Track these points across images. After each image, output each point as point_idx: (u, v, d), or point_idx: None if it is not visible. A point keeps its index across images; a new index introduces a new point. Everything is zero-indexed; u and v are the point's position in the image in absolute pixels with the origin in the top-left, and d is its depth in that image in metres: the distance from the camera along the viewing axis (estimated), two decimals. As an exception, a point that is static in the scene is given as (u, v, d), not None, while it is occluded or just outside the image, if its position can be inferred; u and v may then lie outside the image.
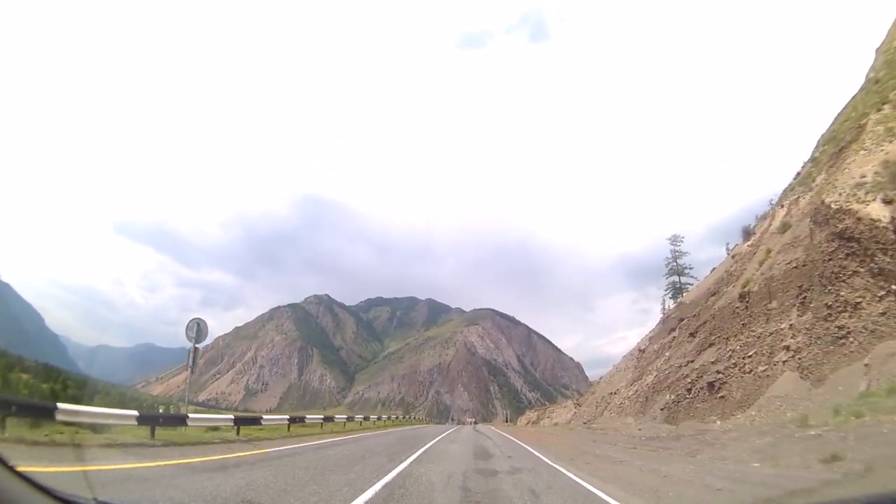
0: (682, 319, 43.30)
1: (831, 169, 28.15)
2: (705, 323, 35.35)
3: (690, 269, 53.38)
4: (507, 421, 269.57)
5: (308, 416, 35.02)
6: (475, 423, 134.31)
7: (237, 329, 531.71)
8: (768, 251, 30.85)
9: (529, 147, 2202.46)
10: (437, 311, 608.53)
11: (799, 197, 33.86)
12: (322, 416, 36.97)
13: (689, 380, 27.50)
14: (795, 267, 25.77)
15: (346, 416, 44.94)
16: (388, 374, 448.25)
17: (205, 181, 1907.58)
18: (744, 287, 29.94)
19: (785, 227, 31.33)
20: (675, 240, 54.02)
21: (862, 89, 36.11)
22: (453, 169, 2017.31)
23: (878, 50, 37.46)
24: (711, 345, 28.01)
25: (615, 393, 51.59)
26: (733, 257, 34.87)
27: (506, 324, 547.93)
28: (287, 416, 30.12)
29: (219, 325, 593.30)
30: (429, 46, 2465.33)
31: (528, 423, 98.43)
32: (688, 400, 26.67)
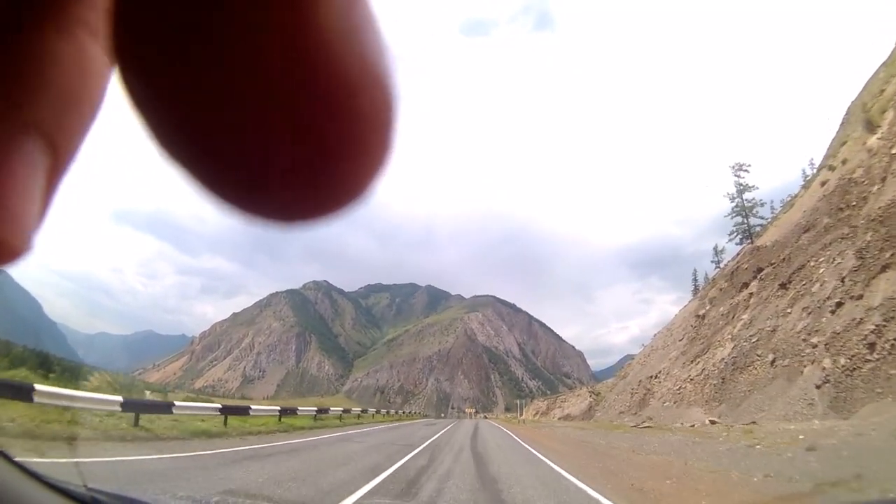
0: (760, 270, 32.98)
1: None
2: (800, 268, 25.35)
3: (761, 205, 41.35)
4: (507, 411, 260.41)
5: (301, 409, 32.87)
6: (475, 414, 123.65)
7: (235, 315, 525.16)
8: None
9: (533, 136, 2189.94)
10: (437, 298, 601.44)
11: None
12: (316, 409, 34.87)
13: (862, 336, 16.99)
14: None
15: (341, 409, 41.38)
16: (387, 362, 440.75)
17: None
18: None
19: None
20: (739, 169, 41.99)
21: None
22: (456, 157, 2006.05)
23: None
24: (887, 268, 17.45)
25: (658, 376, 41.46)
26: (870, 151, 24.28)
27: (507, 311, 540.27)
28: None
29: (219, 313, 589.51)
30: (433, 32, 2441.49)
31: (536, 413, 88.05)
32: (871, 366, 15.99)
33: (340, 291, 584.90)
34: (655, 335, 60.06)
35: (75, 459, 9.08)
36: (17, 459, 1.98)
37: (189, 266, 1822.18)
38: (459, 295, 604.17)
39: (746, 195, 40.89)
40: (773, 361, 23.77)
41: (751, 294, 32.57)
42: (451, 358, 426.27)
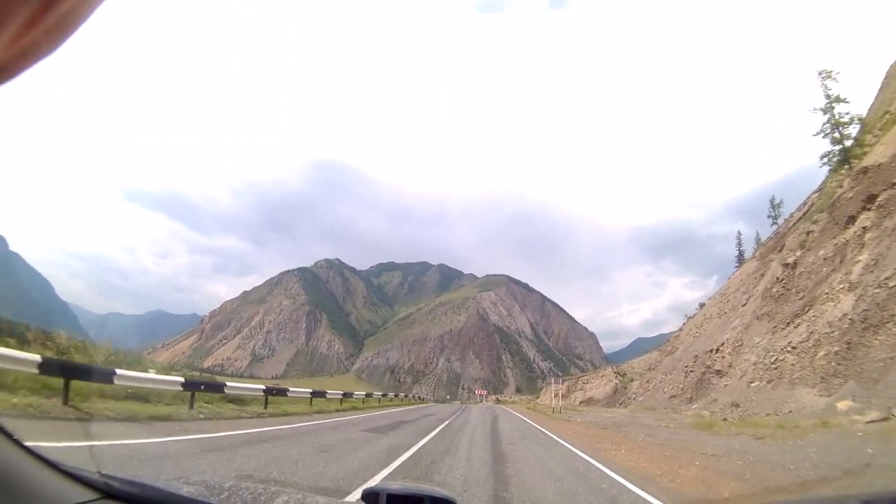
0: (872, 197, 23.88)
1: None
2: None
3: (858, 119, 31.36)
4: (517, 392, 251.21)
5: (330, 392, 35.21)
6: (487, 396, 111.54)
7: (245, 293, 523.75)
8: None
9: (549, 116, 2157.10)
10: (449, 277, 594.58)
11: None
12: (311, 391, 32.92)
13: None
14: None
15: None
16: (398, 341, 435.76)
17: (217, 147, 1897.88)
18: None
19: None
20: (826, 76, 31.96)
21: None
22: (470, 136, 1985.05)
23: None
24: None
25: (722, 350, 32.66)
26: None
27: (520, 290, 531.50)
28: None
29: (231, 292, 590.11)
30: (448, 8, 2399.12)
31: (554, 396, 79.96)
32: None
33: (352, 270, 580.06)
34: (701, 305, 51.36)
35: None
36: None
37: (201, 245, 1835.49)
38: (472, 274, 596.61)
39: (839, 109, 31.28)
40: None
41: (864, 228, 23.55)
42: (463, 337, 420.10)
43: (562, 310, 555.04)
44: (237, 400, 20.95)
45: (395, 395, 70.22)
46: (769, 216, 53.74)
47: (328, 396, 33.11)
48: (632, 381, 62.33)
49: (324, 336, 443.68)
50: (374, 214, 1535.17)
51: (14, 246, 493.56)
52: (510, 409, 59.06)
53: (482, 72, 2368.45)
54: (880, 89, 43.99)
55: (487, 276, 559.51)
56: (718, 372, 31.79)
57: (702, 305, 50.41)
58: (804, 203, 41.73)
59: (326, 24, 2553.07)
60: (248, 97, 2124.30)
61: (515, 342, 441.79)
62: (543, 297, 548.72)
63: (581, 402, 69.94)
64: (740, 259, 64.66)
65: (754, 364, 25.68)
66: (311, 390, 29.26)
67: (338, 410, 29.40)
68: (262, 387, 23.35)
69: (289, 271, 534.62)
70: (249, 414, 19.09)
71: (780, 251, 35.60)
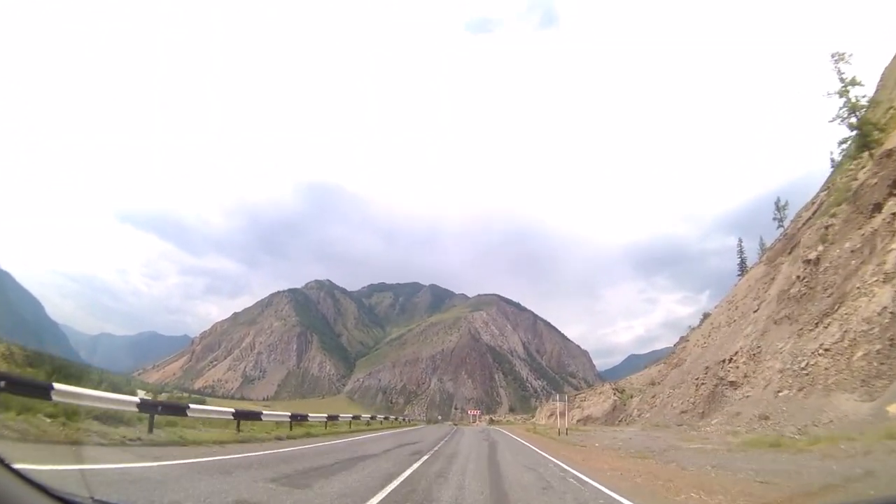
0: None
1: None
2: None
3: (869, 102, 29.62)
4: (511, 411, 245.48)
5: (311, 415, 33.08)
6: (480, 417, 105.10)
7: (235, 315, 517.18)
8: None
9: (538, 135, 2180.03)
10: (440, 297, 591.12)
11: None
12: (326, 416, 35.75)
13: None
14: None
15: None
16: (390, 362, 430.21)
17: (209, 168, 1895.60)
18: None
19: None
20: (839, 59, 30.06)
21: None
22: (461, 157, 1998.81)
23: None
24: None
25: (735, 359, 30.57)
26: None
27: (511, 310, 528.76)
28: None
29: (223, 314, 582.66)
30: (437, 30, 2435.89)
31: (551, 415, 76.94)
32: None
33: (343, 291, 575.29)
34: (705, 315, 49.28)
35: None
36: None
37: (193, 266, 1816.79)
38: (463, 294, 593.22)
39: (854, 92, 29.69)
40: None
41: (893, 215, 21.74)
42: (455, 358, 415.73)
43: (554, 328, 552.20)
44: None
45: (385, 418, 67.51)
46: (775, 218, 52.35)
47: (310, 420, 30.97)
48: (631, 397, 59.95)
49: (315, 357, 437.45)
50: (365, 235, 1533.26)
51: (5, 265, 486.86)
52: (507, 431, 52.43)
53: (473, 92, 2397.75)
54: (876, 91, 42.85)
55: (479, 295, 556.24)
56: (733, 383, 29.64)
57: (706, 316, 48.41)
58: (812, 202, 40.21)
59: (319, 48, 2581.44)
60: (240, 118, 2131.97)
61: (508, 361, 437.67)
62: (535, 316, 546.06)
63: (578, 421, 67.33)
64: (742, 267, 63.28)
65: (780, 371, 23.49)
66: (290, 413, 27.01)
67: (307, 436, 25.23)
68: (232, 410, 21.72)
69: (279, 292, 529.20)
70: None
71: (790, 252, 33.85)
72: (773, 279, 34.30)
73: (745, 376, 28.76)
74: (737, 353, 31.00)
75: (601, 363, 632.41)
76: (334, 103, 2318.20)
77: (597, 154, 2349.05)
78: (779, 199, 52.78)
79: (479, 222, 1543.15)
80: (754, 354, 28.27)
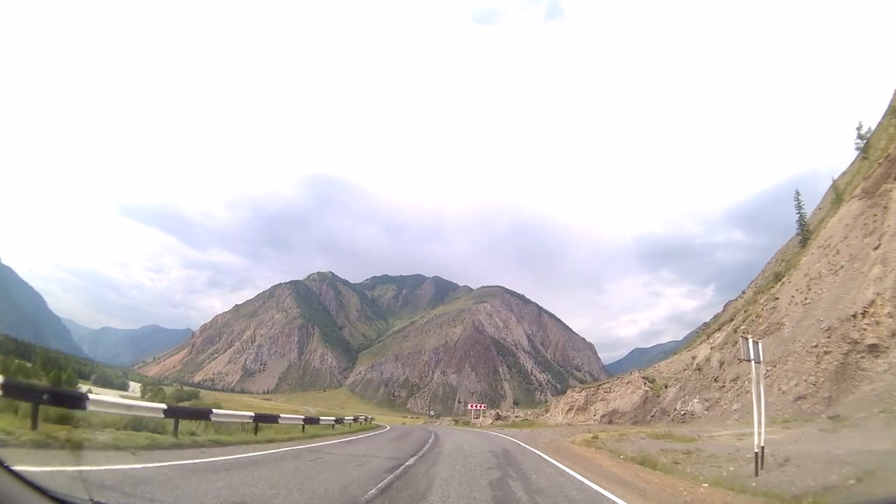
0: None
1: None
2: None
3: None
4: (515, 405, 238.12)
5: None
6: (484, 412, 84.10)
7: (237, 307, 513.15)
8: None
9: (544, 128, 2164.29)
10: (444, 289, 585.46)
11: None
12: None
13: None
14: None
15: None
16: (392, 354, 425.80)
17: (212, 162, 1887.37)
18: None
19: None
20: None
21: None
22: (466, 149, 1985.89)
23: None
24: None
25: (869, 314, 24.09)
26: None
27: (515, 302, 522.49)
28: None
29: (226, 307, 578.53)
30: (443, 21, 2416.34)
31: (570, 410, 69.60)
32: None
33: (346, 283, 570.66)
34: (778, 276, 42.60)
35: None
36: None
37: (196, 260, 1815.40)
38: (467, 286, 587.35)
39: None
40: None
41: None
42: (458, 350, 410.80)
43: (559, 321, 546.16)
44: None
45: (365, 420, 52.29)
46: (856, 148, 49.66)
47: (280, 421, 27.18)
48: (665, 387, 53.07)
49: (316, 350, 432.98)
50: (368, 227, 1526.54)
51: (6, 260, 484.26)
52: (528, 443, 25.25)
53: (478, 83, 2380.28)
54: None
55: (482, 287, 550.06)
56: (873, 347, 22.84)
57: (778, 276, 41.45)
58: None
59: (323, 39, 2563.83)
60: (243, 111, 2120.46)
61: (512, 354, 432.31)
62: (540, 308, 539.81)
63: (603, 416, 60.16)
64: (801, 222, 59.58)
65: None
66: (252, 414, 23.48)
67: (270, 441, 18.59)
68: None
69: (280, 284, 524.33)
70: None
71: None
72: (885, 207, 28.03)
73: (893, 335, 22.16)
74: (872, 302, 24.08)
75: (606, 357, 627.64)
76: (339, 95, 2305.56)
77: (603, 146, 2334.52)
78: (860, 123, 50.15)
79: (483, 214, 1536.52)
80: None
